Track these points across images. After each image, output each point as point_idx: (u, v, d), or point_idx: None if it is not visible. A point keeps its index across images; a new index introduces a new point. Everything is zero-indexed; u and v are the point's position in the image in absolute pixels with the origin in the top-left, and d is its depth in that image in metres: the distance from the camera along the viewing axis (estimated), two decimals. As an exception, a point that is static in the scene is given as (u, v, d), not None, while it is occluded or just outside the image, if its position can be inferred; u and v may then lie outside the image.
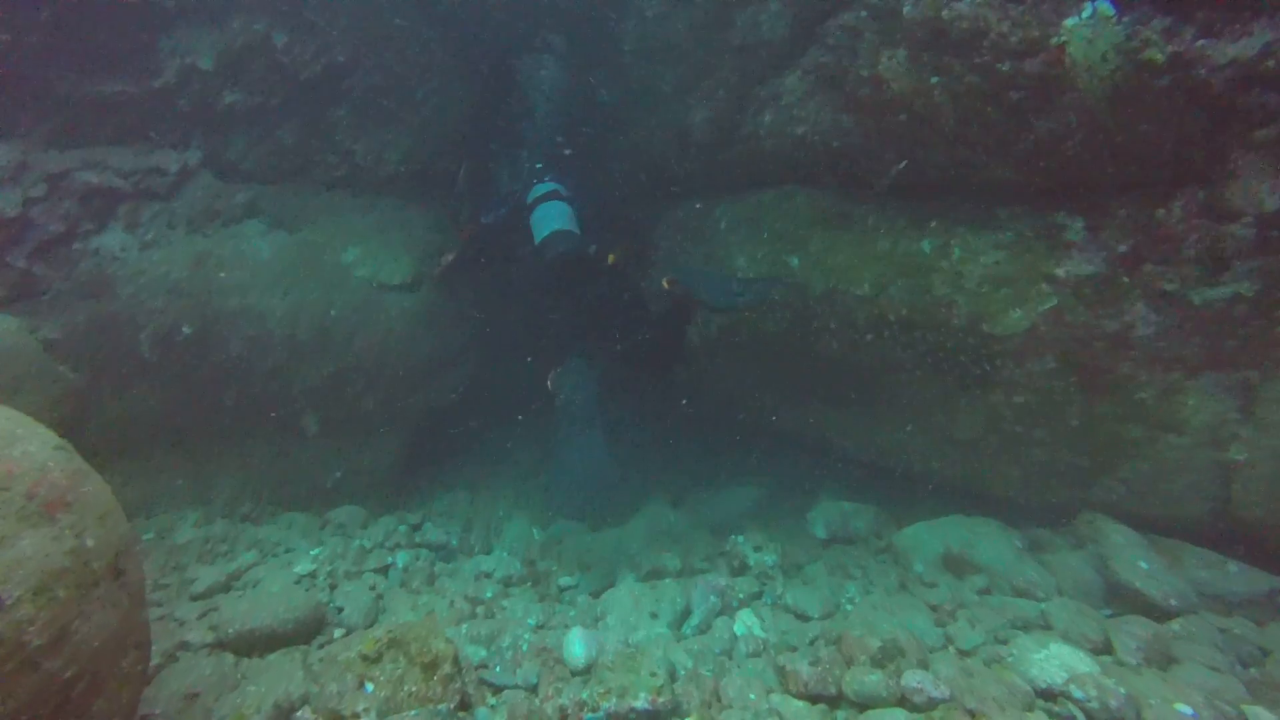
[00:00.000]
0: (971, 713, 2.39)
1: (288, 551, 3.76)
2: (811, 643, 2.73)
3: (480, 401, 5.90)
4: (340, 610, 2.98)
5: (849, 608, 3.02)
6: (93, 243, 4.00)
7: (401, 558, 3.70)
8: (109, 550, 1.83)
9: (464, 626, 2.89)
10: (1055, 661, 2.55)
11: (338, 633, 2.84)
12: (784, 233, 4.25)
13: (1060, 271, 3.12)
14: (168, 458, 4.44)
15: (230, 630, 2.69)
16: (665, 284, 4.19)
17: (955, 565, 3.34)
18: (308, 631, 2.79)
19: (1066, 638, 2.74)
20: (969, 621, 2.93)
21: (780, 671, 2.62)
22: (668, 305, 4.12)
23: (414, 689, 2.16)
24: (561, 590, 3.45)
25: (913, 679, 2.49)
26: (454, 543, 4.22)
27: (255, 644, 2.68)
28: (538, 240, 4.43)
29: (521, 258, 4.71)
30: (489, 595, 3.16)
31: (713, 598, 2.97)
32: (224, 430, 4.51)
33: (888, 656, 2.59)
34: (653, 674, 2.39)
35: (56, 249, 3.93)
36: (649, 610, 2.94)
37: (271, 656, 2.64)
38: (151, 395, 4.25)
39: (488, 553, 4.10)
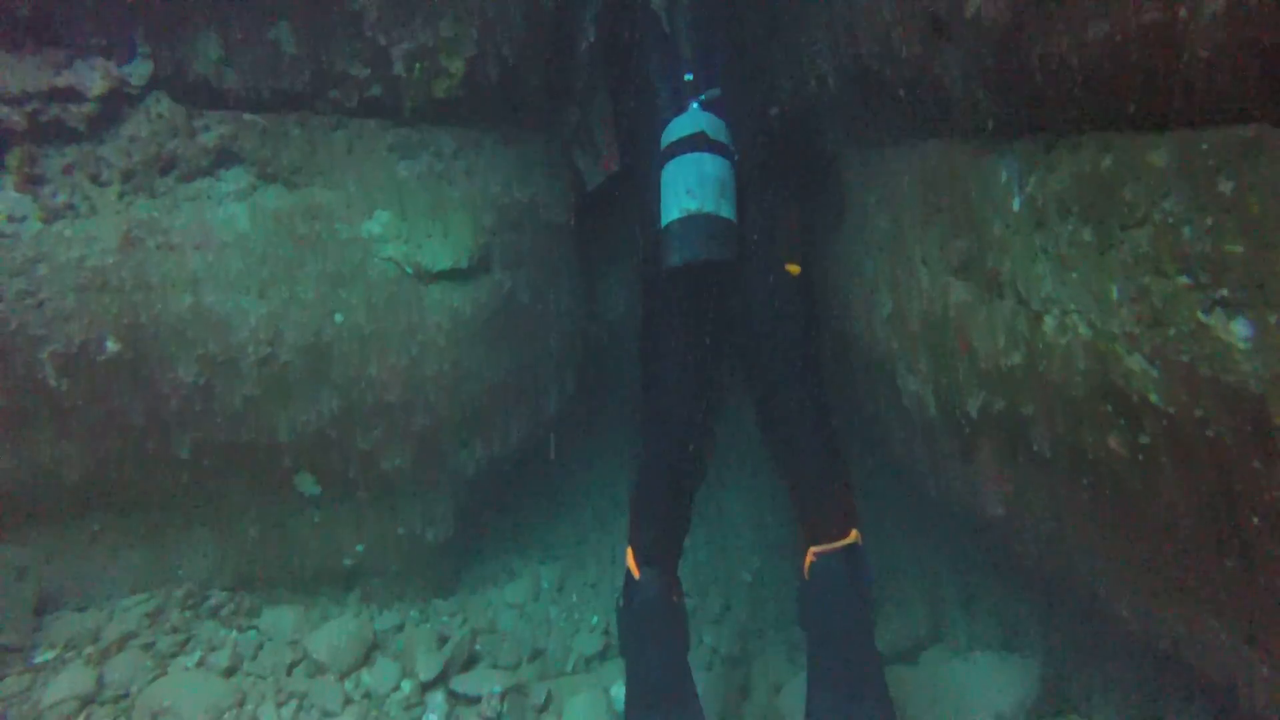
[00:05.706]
0: None
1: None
2: None
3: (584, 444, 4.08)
4: None
5: None
6: (-47, 210, 2.57)
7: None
8: None
9: None
10: None
11: None
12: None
13: None
14: (114, 522, 3.10)
15: None
16: None
17: None
18: None
19: None
20: None
21: None
22: None
23: None
24: None
25: None
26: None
27: None
28: (663, 223, 2.52)
29: (637, 244, 2.75)
30: None
31: None
32: (184, 490, 3.06)
33: None
34: None
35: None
36: None
37: None
38: (68, 440, 2.86)
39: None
